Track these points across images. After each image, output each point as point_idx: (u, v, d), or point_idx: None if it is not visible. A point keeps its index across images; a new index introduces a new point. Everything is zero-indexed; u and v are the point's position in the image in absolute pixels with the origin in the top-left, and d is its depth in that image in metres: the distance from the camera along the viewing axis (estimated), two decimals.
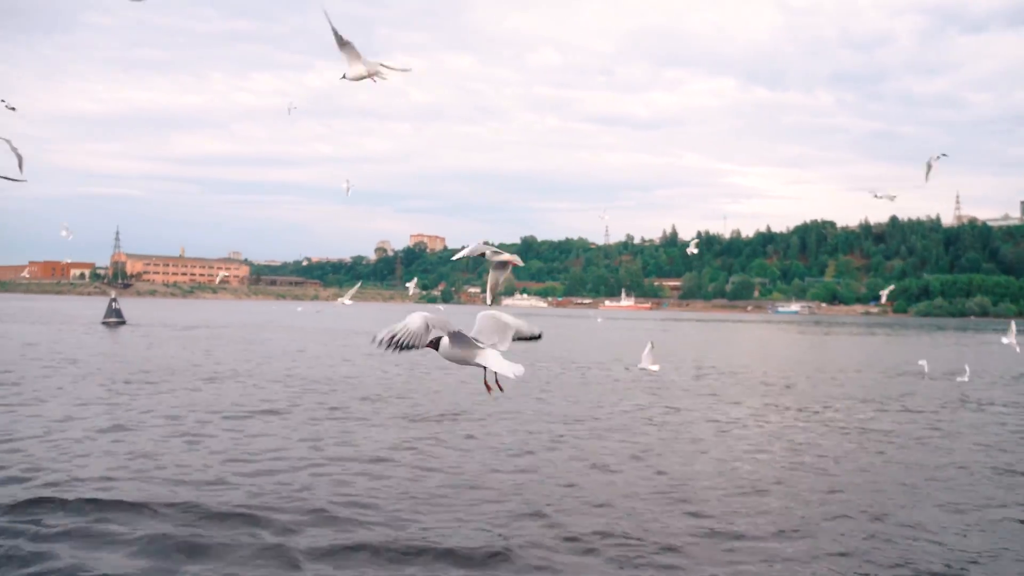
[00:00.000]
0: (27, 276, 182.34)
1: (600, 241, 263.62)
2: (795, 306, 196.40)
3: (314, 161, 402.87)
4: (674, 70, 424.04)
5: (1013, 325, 22.41)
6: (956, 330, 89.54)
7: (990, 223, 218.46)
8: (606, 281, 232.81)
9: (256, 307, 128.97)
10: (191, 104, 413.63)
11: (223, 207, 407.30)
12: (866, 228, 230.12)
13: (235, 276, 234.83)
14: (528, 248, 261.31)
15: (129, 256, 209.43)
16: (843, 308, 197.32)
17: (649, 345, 15.81)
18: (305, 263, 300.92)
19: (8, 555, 7.93)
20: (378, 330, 4.01)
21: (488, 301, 5.91)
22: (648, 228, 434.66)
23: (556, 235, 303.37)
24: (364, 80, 6.18)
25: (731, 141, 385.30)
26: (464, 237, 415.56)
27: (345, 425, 15.50)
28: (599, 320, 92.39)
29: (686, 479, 11.69)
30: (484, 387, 4.88)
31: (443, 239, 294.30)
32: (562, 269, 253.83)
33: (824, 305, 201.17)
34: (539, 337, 4.96)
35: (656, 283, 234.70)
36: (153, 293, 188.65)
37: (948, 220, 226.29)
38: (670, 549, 8.58)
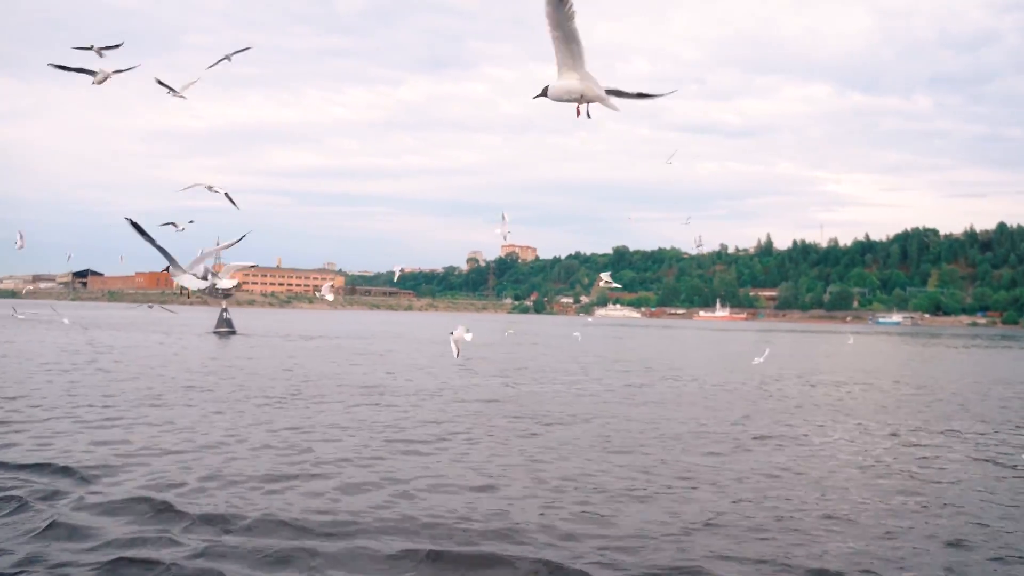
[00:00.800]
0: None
1: (693, 251, 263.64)
2: (897, 317, 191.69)
3: (406, 173, 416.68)
4: (766, 77, 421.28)
5: None
6: None
7: None
8: (700, 291, 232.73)
9: (353, 317, 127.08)
10: (287, 118, 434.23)
11: (317, 218, 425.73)
12: (971, 235, 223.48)
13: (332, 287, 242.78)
14: (620, 258, 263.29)
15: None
16: (948, 319, 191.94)
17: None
18: (399, 273, 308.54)
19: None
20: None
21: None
22: (741, 237, 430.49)
23: (648, 245, 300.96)
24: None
25: (825, 148, 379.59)
26: (555, 247, 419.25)
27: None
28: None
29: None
30: None
31: (535, 249, 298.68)
32: (655, 279, 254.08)
33: (927, 316, 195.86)
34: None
35: (752, 293, 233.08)
36: (252, 303, 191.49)
37: None
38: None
